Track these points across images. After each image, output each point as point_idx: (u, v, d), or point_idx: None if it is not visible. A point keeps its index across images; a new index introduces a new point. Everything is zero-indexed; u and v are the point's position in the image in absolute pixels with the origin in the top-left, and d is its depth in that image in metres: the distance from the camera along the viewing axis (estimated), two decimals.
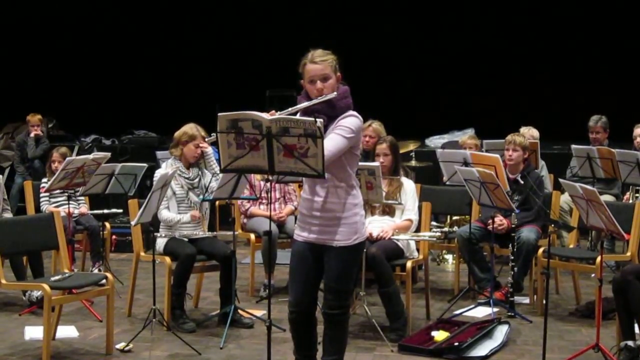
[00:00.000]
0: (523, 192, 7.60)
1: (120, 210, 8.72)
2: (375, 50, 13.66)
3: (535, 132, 9.30)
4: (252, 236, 7.92)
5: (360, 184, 6.29)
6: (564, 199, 8.51)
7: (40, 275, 7.28)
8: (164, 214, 6.93)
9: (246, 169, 4.64)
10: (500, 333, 6.52)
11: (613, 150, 8.51)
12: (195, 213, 6.97)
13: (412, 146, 10.16)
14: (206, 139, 7.49)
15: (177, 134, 7.09)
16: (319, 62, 4.69)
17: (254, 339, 6.58)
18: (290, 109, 4.57)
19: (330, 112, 4.66)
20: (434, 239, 7.28)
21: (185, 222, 6.96)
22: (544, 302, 6.09)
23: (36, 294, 7.16)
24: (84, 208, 8.51)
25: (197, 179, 7.04)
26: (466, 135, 9.70)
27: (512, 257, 7.31)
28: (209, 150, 7.13)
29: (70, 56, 14.13)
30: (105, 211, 8.35)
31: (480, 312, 7.26)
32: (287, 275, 4.94)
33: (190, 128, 7.02)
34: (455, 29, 13.64)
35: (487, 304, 7.26)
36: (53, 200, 8.38)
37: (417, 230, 7.06)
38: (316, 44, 4.81)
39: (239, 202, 7.81)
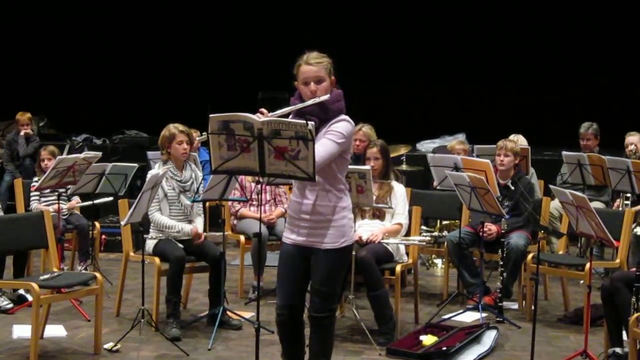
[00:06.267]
0: (513, 198, 7.62)
1: (111, 199, 8.51)
2: (367, 53, 13.68)
3: (522, 140, 9.32)
4: (242, 238, 7.92)
5: (351, 187, 6.31)
6: (554, 205, 8.53)
7: (21, 276, 7.27)
8: (158, 217, 6.84)
9: (237, 171, 4.63)
10: (489, 338, 6.53)
11: (604, 157, 8.52)
12: (198, 231, 6.87)
13: (403, 150, 10.16)
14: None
15: (159, 140, 7.05)
16: (314, 64, 4.69)
17: (242, 340, 6.58)
18: (282, 109, 4.56)
19: (323, 115, 4.66)
20: (424, 243, 7.30)
21: (184, 232, 6.90)
22: (533, 307, 6.10)
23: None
24: (74, 201, 8.46)
25: (189, 182, 6.98)
26: (455, 141, 9.71)
27: (502, 263, 7.33)
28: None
29: (62, 55, 14.13)
30: (96, 202, 8.28)
31: (469, 317, 7.27)
32: (276, 277, 4.94)
33: (167, 129, 6.96)
34: (447, 34, 13.68)
35: (475, 309, 7.28)
36: (43, 199, 8.36)
37: (407, 234, 7.07)
38: (309, 47, 4.81)
39: (229, 203, 7.82)
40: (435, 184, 8.43)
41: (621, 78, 13.01)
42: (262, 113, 4.39)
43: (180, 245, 6.84)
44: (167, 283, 6.68)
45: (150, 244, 6.88)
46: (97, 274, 6.43)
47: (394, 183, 7.07)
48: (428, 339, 6.39)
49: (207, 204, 8.16)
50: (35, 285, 5.86)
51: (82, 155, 7.94)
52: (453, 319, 7.23)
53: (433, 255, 9.40)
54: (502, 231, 7.37)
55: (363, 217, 7.01)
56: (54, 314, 6.93)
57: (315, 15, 13.62)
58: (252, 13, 14.01)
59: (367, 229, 6.85)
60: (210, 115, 4.37)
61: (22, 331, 6.57)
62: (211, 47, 14.11)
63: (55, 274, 6.19)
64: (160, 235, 6.89)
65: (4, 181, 11.09)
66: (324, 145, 4.55)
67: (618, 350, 5.90)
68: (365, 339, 6.50)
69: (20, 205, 8.35)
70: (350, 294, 6.65)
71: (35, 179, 8.35)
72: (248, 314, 7.07)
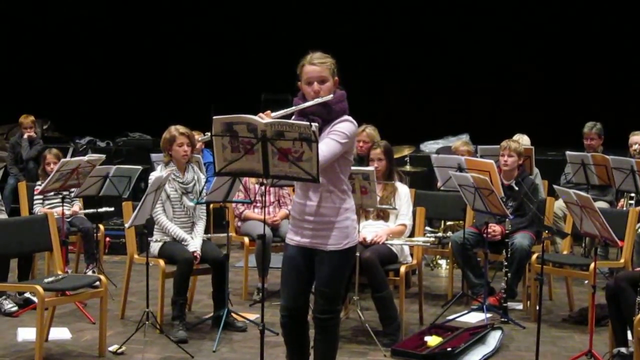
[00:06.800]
0: (517, 198, 7.61)
1: (112, 209, 8.59)
2: (370, 54, 13.67)
3: (526, 140, 9.31)
4: (246, 239, 7.92)
5: (355, 188, 6.32)
6: (558, 205, 8.51)
7: (25, 279, 7.26)
8: (165, 222, 6.85)
9: (241, 173, 4.64)
10: (493, 339, 6.53)
11: (607, 157, 8.52)
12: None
13: (406, 151, 10.16)
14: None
15: (161, 143, 7.05)
16: (318, 64, 4.68)
17: (247, 342, 6.58)
18: (286, 109, 4.56)
19: (326, 115, 4.66)
20: (428, 244, 7.28)
21: (186, 242, 6.89)
22: (537, 308, 6.09)
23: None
24: (77, 207, 8.47)
25: (191, 184, 6.98)
26: (459, 141, 9.70)
27: (506, 263, 7.33)
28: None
29: (65, 58, 14.13)
30: (98, 210, 8.30)
31: (474, 317, 7.26)
32: (280, 279, 4.95)
33: (168, 132, 6.96)
34: (450, 34, 13.66)
35: (480, 309, 7.26)
36: (47, 202, 8.36)
37: (411, 235, 7.07)
38: (312, 48, 4.81)
39: (233, 205, 7.81)
40: (439, 184, 8.44)
41: (625, 77, 12.99)
42: (267, 115, 4.40)
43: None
44: (174, 285, 6.68)
45: (155, 247, 6.87)
46: (102, 277, 6.43)
47: (398, 184, 7.07)
48: (433, 340, 6.39)
49: (211, 205, 8.16)
50: (39, 288, 5.86)
51: (85, 158, 7.95)
52: (458, 319, 7.22)
53: (437, 256, 9.39)
54: (507, 231, 7.37)
55: (367, 218, 7.01)
56: (59, 316, 6.93)
57: (318, 16, 13.61)
58: (255, 15, 14.01)
59: (371, 230, 6.85)
60: (214, 117, 4.36)
61: (26, 334, 6.57)
62: (214, 48, 14.11)
63: (60, 276, 6.19)
64: (166, 237, 6.89)
65: (8, 184, 11.08)
66: (327, 145, 4.54)
67: (623, 350, 5.89)
68: (369, 340, 6.49)
69: (24, 209, 8.36)
70: (355, 295, 6.65)
71: (39, 182, 8.35)
72: (252, 316, 7.07)
